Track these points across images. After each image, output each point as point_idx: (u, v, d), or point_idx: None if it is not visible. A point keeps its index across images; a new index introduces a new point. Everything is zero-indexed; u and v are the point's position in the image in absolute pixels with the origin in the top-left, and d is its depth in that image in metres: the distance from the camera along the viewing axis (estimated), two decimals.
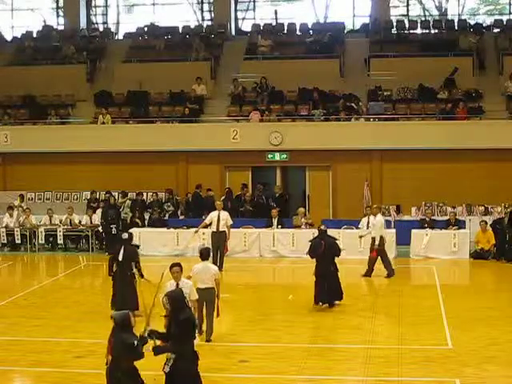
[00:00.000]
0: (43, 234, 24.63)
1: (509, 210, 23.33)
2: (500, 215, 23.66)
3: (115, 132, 27.34)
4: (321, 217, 23.49)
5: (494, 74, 29.01)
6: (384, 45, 30.31)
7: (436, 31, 32.03)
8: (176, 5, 35.94)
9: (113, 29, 35.87)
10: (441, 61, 28.28)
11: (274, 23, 33.38)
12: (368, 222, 20.63)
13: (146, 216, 24.94)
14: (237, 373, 11.57)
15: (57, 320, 15.10)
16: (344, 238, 21.39)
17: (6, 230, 24.94)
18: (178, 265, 11.90)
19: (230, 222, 20.86)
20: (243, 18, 35.31)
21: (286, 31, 32.89)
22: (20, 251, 24.83)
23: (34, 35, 33.86)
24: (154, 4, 36.09)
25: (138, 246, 16.78)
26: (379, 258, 19.47)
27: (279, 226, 23.21)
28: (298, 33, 32.77)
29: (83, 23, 34.86)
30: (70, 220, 24.93)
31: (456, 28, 31.68)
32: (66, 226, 24.84)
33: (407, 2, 35.08)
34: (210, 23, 34.44)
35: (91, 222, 24.72)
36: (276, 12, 34.11)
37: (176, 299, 9.31)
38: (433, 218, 23.75)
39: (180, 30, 33.28)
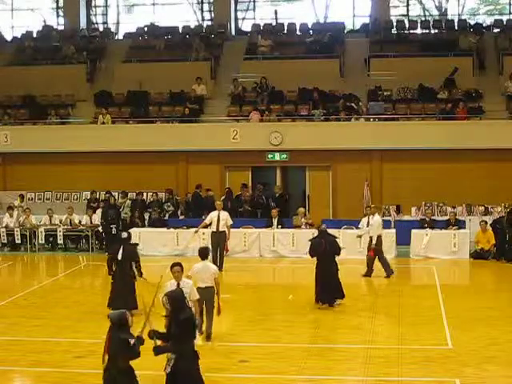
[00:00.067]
0: (43, 234, 24.64)
1: (509, 209, 23.32)
2: (500, 215, 23.66)
3: (115, 132, 27.35)
4: (321, 217, 23.48)
5: (494, 74, 29.01)
6: (384, 45, 30.32)
7: (436, 31, 32.04)
8: (176, 5, 35.95)
9: (113, 29, 35.89)
10: (441, 61, 28.28)
11: (274, 23, 33.39)
12: (368, 222, 20.61)
13: (146, 216, 24.95)
14: (237, 373, 11.57)
15: (57, 320, 15.10)
16: (344, 237, 21.39)
17: (6, 230, 24.95)
18: (179, 264, 11.90)
19: (230, 222, 20.86)
20: (243, 18, 35.32)
21: (286, 31, 32.89)
22: (20, 251, 24.84)
23: (34, 35, 33.86)
24: (154, 4, 36.10)
25: (136, 245, 16.82)
26: (376, 257, 19.50)
27: (279, 226, 23.22)
28: (298, 33, 32.78)
29: (83, 23, 34.87)
30: (70, 220, 24.93)
31: (456, 28, 31.69)
32: (65, 226, 24.85)
33: (407, 2, 35.09)
34: (210, 23, 34.45)
35: (91, 222, 24.73)
36: (276, 12, 34.13)
37: (176, 299, 9.31)
38: (433, 218, 23.76)
39: (180, 30, 33.28)
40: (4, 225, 25.14)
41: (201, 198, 25.57)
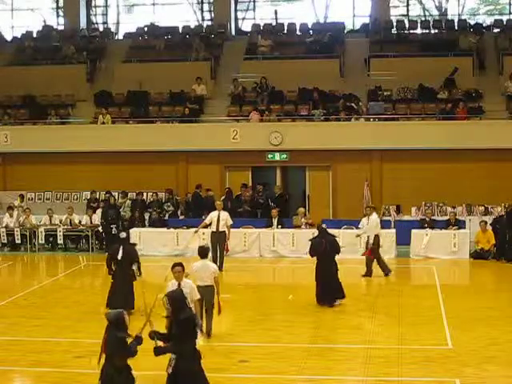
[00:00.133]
0: (43, 233, 24.63)
1: (509, 209, 23.29)
2: (500, 214, 23.64)
3: (115, 132, 27.34)
4: (321, 217, 23.45)
5: (494, 73, 29.01)
6: (384, 45, 30.31)
7: (436, 31, 32.03)
8: (176, 5, 35.95)
9: (113, 29, 35.88)
10: (441, 61, 28.28)
11: (274, 23, 33.39)
12: (368, 222, 20.64)
13: (146, 216, 24.95)
14: (237, 373, 11.57)
15: (57, 320, 15.10)
16: (344, 237, 21.39)
17: (6, 230, 24.94)
18: (180, 265, 11.90)
19: (230, 222, 20.87)
20: (243, 18, 35.32)
21: (286, 31, 32.89)
22: (20, 251, 24.84)
23: (34, 35, 33.86)
24: (154, 4, 36.10)
25: (134, 245, 16.85)
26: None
27: (279, 226, 23.22)
28: (298, 33, 32.77)
29: (83, 23, 34.87)
30: (70, 220, 24.93)
31: (456, 28, 31.69)
32: (66, 226, 24.85)
33: (407, 2, 35.08)
34: (210, 23, 34.45)
35: (91, 222, 24.73)
36: (276, 12, 34.12)
37: (176, 299, 9.31)
38: (433, 218, 23.75)
39: (180, 30, 33.28)
40: (4, 225, 25.14)
41: (201, 198, 25.57)
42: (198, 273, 13.14)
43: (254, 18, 34.90)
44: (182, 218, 25.63)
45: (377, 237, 19.55)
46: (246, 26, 34.59)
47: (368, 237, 19.59)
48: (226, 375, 11.34)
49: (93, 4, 36.00)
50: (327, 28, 32.07)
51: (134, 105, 29.12)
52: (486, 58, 29.55)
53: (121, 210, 25.04)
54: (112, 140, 26.84)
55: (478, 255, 22.48)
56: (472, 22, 32.72)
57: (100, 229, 24.56)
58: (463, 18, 33.74)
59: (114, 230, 23.55)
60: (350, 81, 29.12)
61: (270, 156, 26.67)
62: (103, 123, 27.76)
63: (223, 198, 24.79)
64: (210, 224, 20.79)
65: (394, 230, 22.80)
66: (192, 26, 33.95)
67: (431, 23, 32.82)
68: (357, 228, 21.35)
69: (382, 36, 31.26)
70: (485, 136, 25.22)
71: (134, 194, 26.01)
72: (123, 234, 15.93)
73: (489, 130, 25.57)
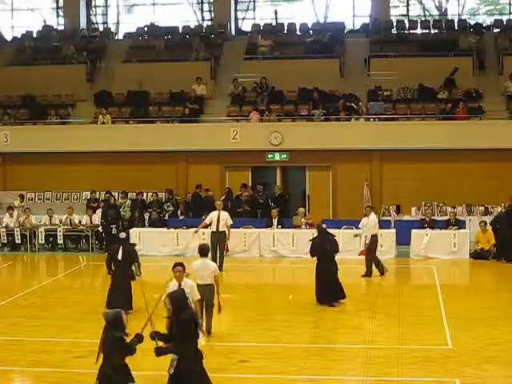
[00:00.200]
0: (43, 233, 24.63)
1: (509, 209, 23.26)
2: (499, 213, 23.63)
3: (115, 132, 27.34)
4: (321, 217, 23.45)
5: (494, 74, 29.01)
6: (384, 45, 30.32)
7: (436, 31, 32.04)
8: (176, 5, 35.95)
9: (113, 29, 35.89)
10: (441, 61, 28.28)
11: (274, 23, 33.40)
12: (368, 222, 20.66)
13: (146, 216, 24.96)
14: (237, 373, 11.57)
15: (57, 320, 15.10)
16: (344, 238, 21.40)
17: (6, 230, 24.94)
18: (181, 264, 11.90)
19: (230, 222, 20.87)
20: (243, 18, 35.33)
21: (286, 31, 32.89)
22: (20, 251, 24.84)
23: (34, 35, 33.87)
24: (154, 4, 36.10)
25: (134, 245, 16.86)
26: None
27: (279, 226, 23.21)
28: (298, 33, 32.78)
29: (83, 23, 34.88)
30: (70, 220, 24.93)
31: (456, 28, 31.69)
32: (66, 226, 24.84)
33: (407, 2, 35.09)
34: (210, 23, 34.45)
35: (91, 222, 24.73)
36: (276, 12, 34.13)
37: (177, 299, 9.31)
38: (433, 218, 23.75)
39: (180, 30, 33.29)
40: (4, 225, 25.14)
41: (201, 198, 25.57)
42: (198, 271, 13.14)
43: (254, 18, 34.92)
44: (181, 218, 25.63)
45: (375, 236, 19.56)
46: (246, 26, 34.61)
47: (366, 236, 19.61)
48: (226, 375, 11.33)
49: (93, 4, 36.01)
50: (327, 28, 32.08)
51: (134, 105, 29.13)
52: (486, 57, 29.56)
53: (121, 209, 25.05)
54: (112, 140, 26.84)
55: (477, 255, 22.48)
56: (472, 22, 32.74)
57: (100, 229, 24.56)
58: (463, 17, 33.75)
59: (113, 230, 23.54)
60: (349, 81, 29.12)
61: (269, 156, 26.67)
62: (103, 123, 27.76)
63: (223, 197, 24.79)
64: (210, 224, 20.79)
65: (393, 230, 22.80)
66: (192, 26, 33.96)
67: (431, 23, 32.82)
68: (357, 228, 21.35)
69: (381, 36, 31.26)
70: (485, 136, 25.23)
71: (134, 194, 26.02)
72: (123, 234, 15.93)
73: (489, 129, 25.57)
